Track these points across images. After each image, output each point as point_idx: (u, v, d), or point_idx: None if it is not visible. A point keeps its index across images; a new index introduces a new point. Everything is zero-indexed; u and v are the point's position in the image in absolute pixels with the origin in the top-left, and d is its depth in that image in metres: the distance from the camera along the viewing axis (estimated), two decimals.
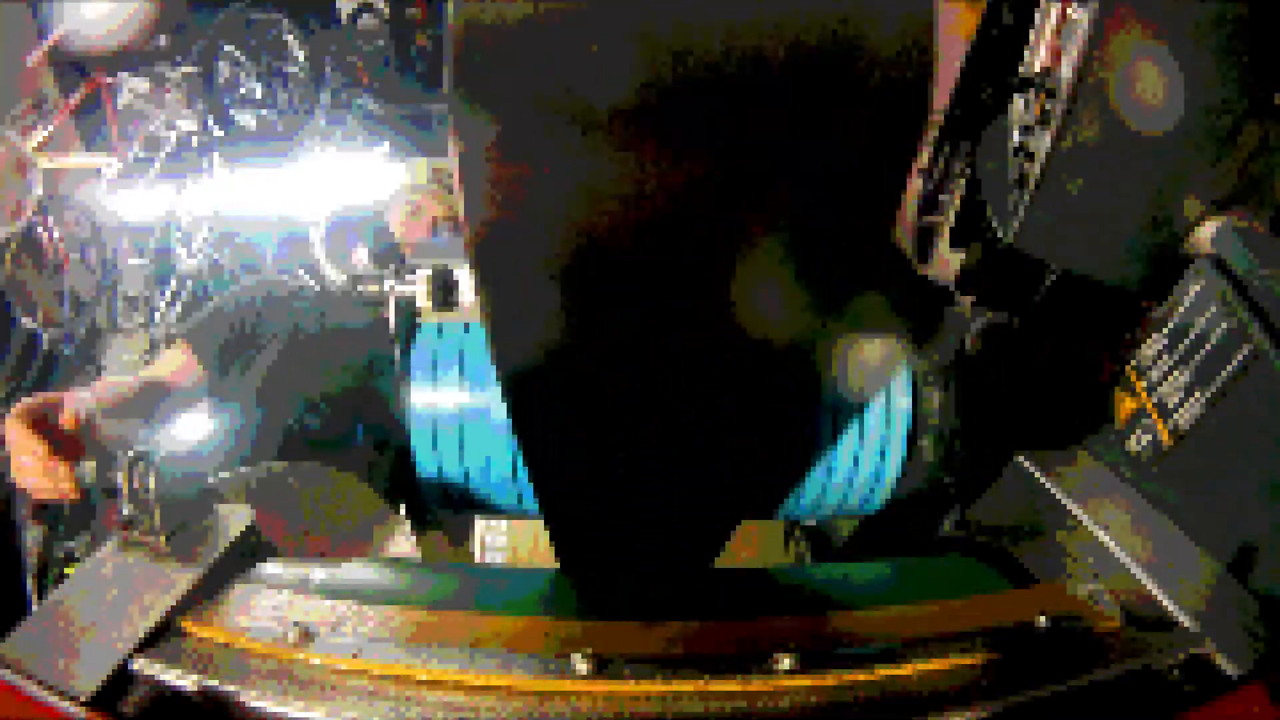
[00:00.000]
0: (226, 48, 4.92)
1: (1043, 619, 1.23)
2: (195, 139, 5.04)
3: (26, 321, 4.77)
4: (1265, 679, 1.15)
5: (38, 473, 1.55)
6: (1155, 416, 1.48)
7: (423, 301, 1.58)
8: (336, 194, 4.36)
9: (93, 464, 1.50)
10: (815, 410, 1.49)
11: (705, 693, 1.12)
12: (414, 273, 1.57)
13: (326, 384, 2.08)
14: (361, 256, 1.70)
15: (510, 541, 2.36)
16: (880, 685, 1.14)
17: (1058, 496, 1.51)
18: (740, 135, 0.72)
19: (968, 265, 2.36)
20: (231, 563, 1.44)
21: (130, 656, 1.19)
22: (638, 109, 0.69)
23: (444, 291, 1.56)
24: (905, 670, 1.15)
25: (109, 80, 5.06)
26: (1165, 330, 1.48)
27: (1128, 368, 1.57)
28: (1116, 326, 1.67)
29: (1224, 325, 1.36)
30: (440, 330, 1.56)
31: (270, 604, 1.32)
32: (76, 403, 1.60)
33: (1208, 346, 1.38)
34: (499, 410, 1.48)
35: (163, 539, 1.36)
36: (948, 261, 2.35)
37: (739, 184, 0.77)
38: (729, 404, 1.09)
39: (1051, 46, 1.68)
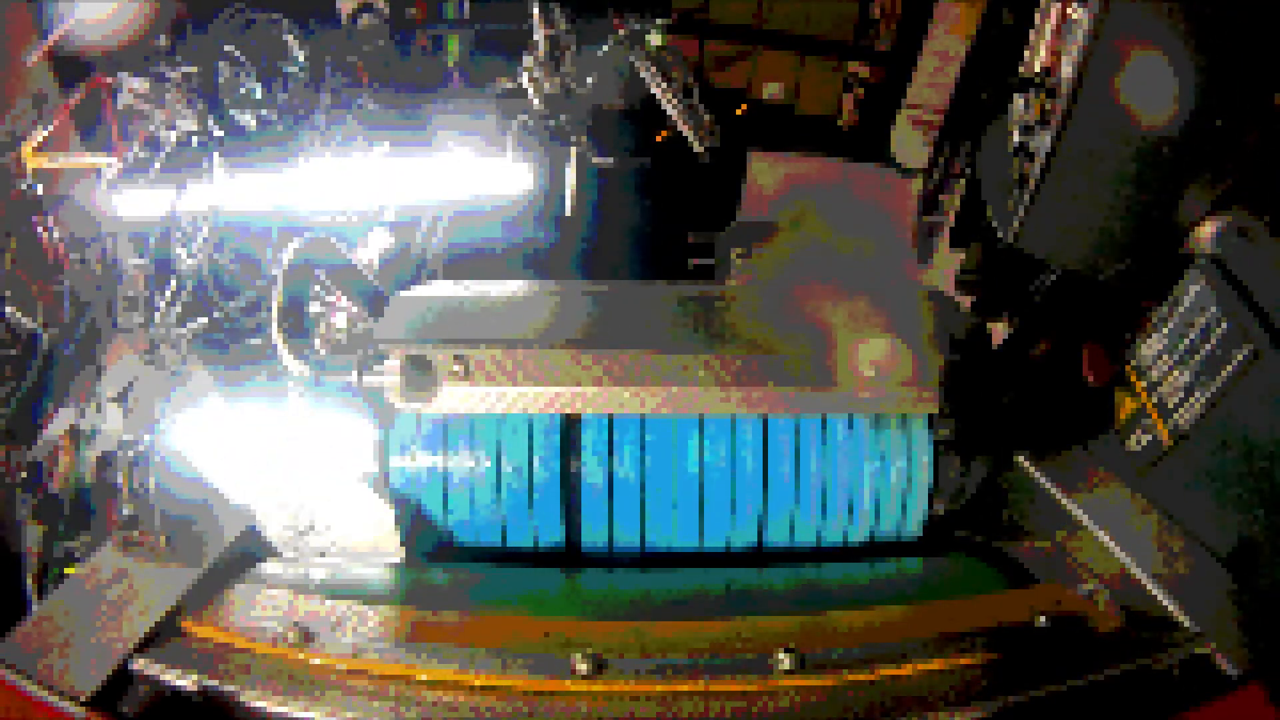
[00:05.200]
0: (226, 48, 4.91)
1: (1043, 619, 1.24)
2: (195, 139, 5.03)
3: (26, 321, 4.77)
4: (1265, 679, 1.15)
5: None
6: (1155, 416, 1.48)
7: (392, 391, 1.50)
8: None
9: (93, 463, 1.50)
10: None
11: (705, 693, 1.13)
12: (382, 361, 1.50)
13: None
14: (338, 322, 1.60)
15: None
16: (880, 685, 1.14)
17: (1058, 496, 1.51)
18: None
19: (968, 265, 2.36)
20: (231, 563, 1.44)
21: (130, 656, 1.19)
22: None
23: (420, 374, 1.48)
24: (905, 670, 1.15)
25: (109, 80, 5.06)
26: (1165, 330, 1.48)
27: (1128, 368, 1.57)
28: (1116, 326, 1.67)
29: (1224, 325, 1.35)
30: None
31: (270, 604, 1.32)
32: None
33: (1208, 346, 1.38)
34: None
35: (163, 539, 1.36)
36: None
37: None
38: None
39: (1051, 46, 1.68)
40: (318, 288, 1.63)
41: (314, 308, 1.63)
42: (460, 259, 3.10)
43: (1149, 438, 1.49)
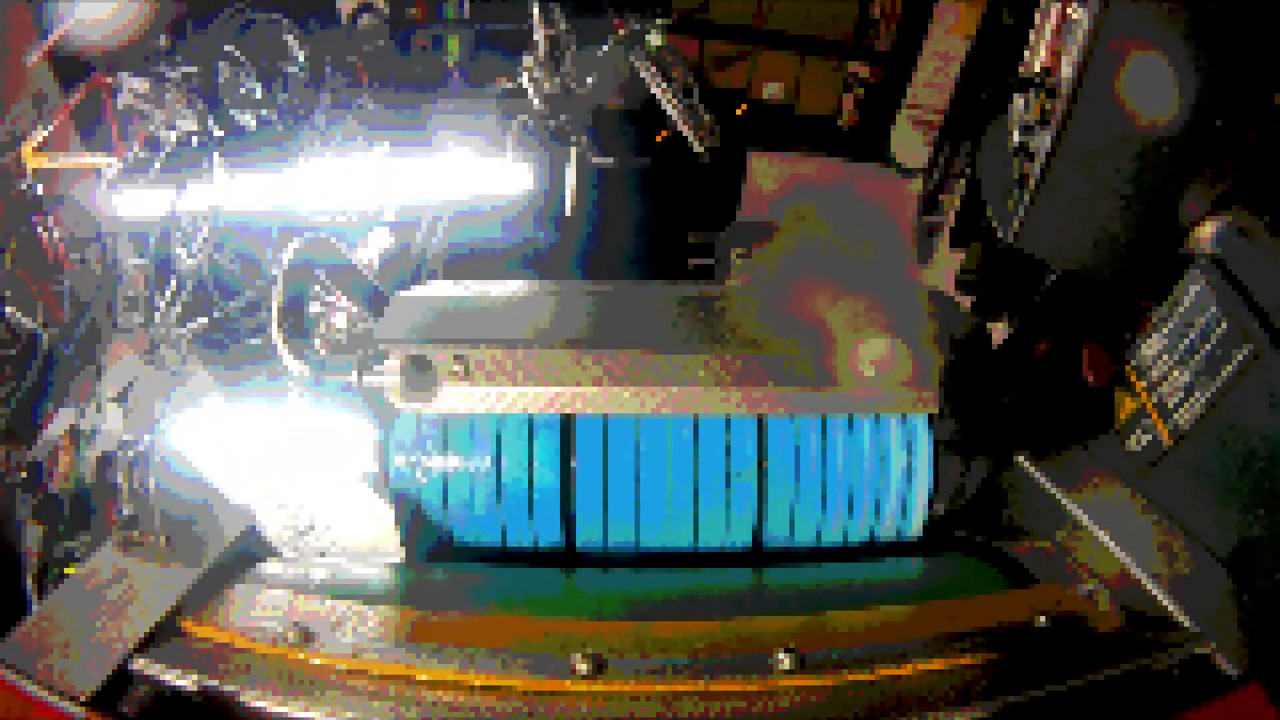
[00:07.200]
0: (226, 48, 4.92)
1: (1043, 619, 1.23)
2: (195, 139, 5.03)
3: (26, 321, 4.77)
4: (1265, 679, 1.15)
5: None
6: (1155, 416, 1.48)
7: (392, 391, 1.50)
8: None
9: (93, 463, 1.50)
10: None
11: (705, 693, 1.13)
12: (382, 361, 1.50)
13: None
14: (338, 322, 1.60)
15: None
16: (880, 685, 1.14)
17: (1058, 496, 1.51)
18: None
19: (968, 265, 2.36)
20: (231, 563, 1.44)
21: (130, 656, 1.19)
22: None
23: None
24: (905, 670, 1.15)
25: (109, 80, 5.06)
26: (1165, 330, 1.48)
27: (1128, 368, 1.57)
28: (1116, 326, 1.67)
29: (1224, 325, 1.35)
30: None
31: (270, 604, 1.32)
32: None
33: (1208, 346, 1.38)
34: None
35: (163, 539, 1.36)
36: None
37: None
38: None
39: (1051, 46, 1.68)
40: (318, 288, 1.63)
41: (314, 308, 1.63)
42: (460, 259, 3.10)
43: (1149, 438, 1.49)
